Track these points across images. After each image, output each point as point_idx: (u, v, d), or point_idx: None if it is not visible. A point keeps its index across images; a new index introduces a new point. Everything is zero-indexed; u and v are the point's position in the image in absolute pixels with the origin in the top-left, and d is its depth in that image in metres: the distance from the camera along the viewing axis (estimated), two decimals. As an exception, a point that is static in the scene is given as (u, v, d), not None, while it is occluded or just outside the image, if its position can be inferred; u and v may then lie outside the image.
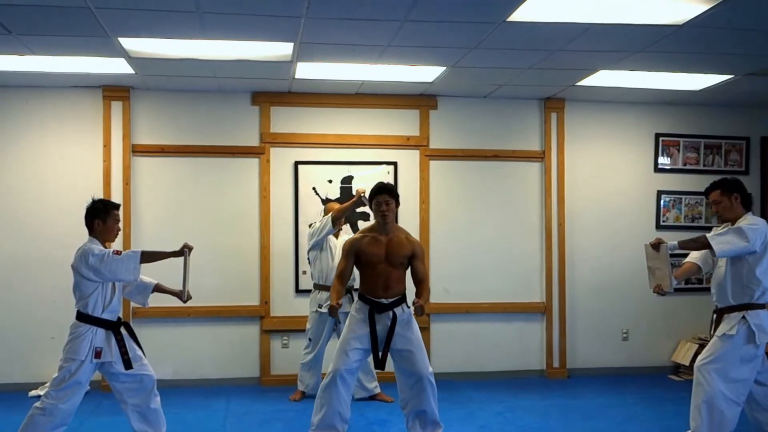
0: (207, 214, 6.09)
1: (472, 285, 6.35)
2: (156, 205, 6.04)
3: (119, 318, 4.13)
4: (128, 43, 4.73)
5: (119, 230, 4.19)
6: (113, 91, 5.91)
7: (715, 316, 4.41)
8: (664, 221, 6.67)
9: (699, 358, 4.34)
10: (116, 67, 5.30)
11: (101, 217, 4.08)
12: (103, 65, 5.28)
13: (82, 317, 4.00)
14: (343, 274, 4.40)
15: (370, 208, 4.42)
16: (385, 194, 4.29)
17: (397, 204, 4.36)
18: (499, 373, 6.34)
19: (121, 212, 5.85)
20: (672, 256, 4.36)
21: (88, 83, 5.84)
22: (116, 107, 5.92)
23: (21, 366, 5.81)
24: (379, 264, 4.29)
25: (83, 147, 5.95)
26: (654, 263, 4.39)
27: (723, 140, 6.78)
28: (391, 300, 4.31)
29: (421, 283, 4.37)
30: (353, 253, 4.36)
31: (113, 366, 4.04)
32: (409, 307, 4.34)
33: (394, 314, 4.28)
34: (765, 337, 4.21)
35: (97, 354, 3.97)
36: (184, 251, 4.11)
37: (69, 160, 5.94)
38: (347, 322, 4.40)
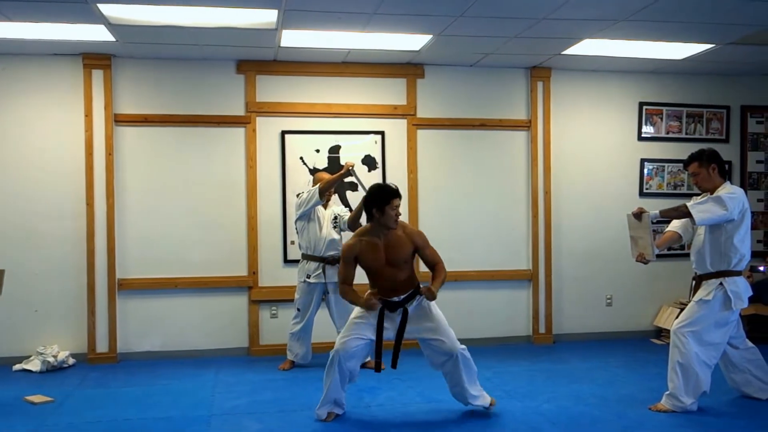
0: (193, 185, 6.04)
1: (459, 253, 6.38)
2: (140, 175, 5.97)
3: None
4: (108, 9, 4.63)
5: None
6: (94, 59, 5.79)
7: (694, 282, 4.52)
8: (647, 189, 6.74)
9: (676, 321, 4.45)
10: (96, 34, 5.19)
11: None
12: (82, 32, 5.17)
13: None
14: (346, 280, 4.23)
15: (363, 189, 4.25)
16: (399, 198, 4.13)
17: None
18: (487, 340, 6.43)
19: (103, 183, 5.86)
20: (654, 224, 4.43)
21: (67, 51, 5.72)
22: (97, 76, 5.82)
23: (3, 340, 5.76)
24: (382, 268, 4.17)
25: (64, 117, 5.84)
26: (636, 232, 4.46)
27: (705, 109, 6.83)
28: (402, 297, 4.22)
29: (434, 267, 4.26)
30: (352, 260, 4.20)
31: None
32: (421, 295, 4.23)
33: (405, 310, 4.21)
34: (741, 303, 4.33)
35: None
36: None
37: (50, 131, 5.83)
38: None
